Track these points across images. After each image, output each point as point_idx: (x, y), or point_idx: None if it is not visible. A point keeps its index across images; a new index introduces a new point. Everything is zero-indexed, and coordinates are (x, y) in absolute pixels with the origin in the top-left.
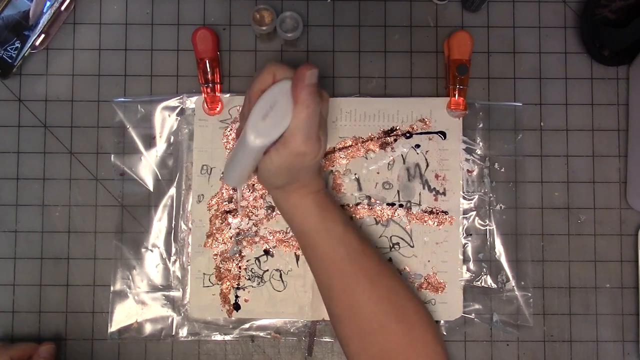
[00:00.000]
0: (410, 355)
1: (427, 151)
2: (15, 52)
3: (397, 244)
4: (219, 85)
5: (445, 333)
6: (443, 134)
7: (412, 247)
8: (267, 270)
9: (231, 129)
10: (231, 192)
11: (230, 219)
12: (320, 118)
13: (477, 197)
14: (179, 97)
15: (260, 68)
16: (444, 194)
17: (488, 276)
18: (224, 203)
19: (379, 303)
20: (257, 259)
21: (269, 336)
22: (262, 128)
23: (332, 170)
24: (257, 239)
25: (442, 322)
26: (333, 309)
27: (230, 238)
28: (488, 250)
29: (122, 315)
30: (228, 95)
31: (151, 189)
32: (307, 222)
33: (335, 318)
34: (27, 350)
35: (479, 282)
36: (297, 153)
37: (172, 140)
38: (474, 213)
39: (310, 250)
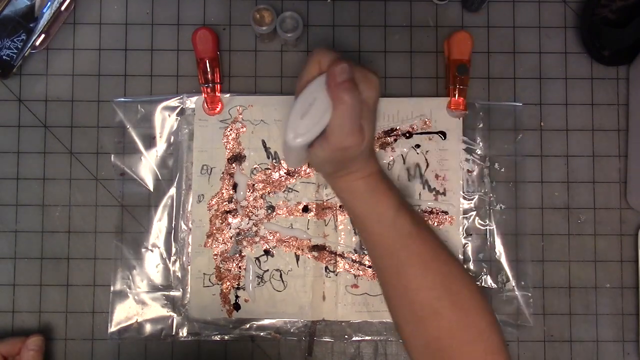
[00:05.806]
0: (464, 341)
1: (427, 151)
2: (16, 51)
3: None
4: (219, 85)
5: None
6: (443, 134)
7: None
8: (267, 270)
9: (231, 129)
10: (231, 192)
11: (230, 219)
12: (363, 107)
13: (477, 197)
14: (179, 97)
15: (309, 55)
16: (444, 194)
17: (488, 276)
18: (224, 203)
19: (433, 289)
20: (257, 259)
21: (269, 336)
22: (301, 127)
23: None
24: (257, 239)
25: None
26: (386, 292)
27: (230, 238)
28: (488, 250)
29: (122, 315)
30: (228, 95)
31: (151, 189)
32: (357, 207)
33: (389, 301)
34: (16, 344)
35: (479, 282)
36: (339, 148)
37: (172, 140)
38: (474, 213)
39: (364, 233)
